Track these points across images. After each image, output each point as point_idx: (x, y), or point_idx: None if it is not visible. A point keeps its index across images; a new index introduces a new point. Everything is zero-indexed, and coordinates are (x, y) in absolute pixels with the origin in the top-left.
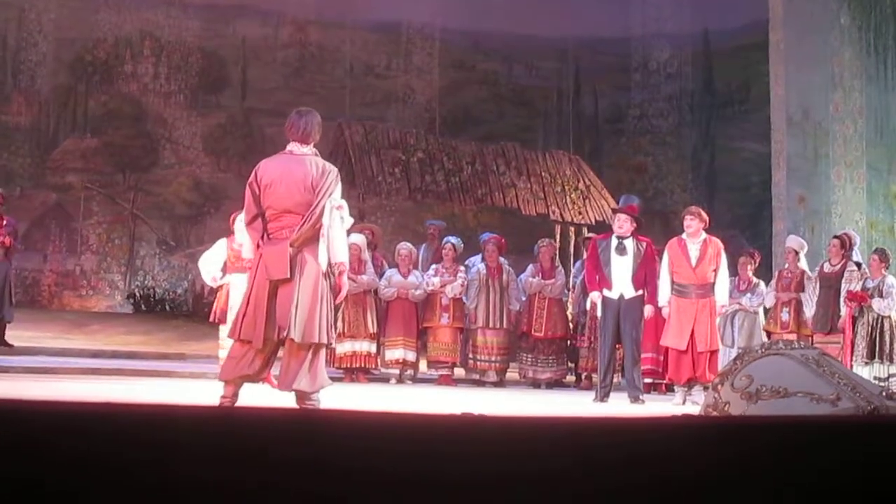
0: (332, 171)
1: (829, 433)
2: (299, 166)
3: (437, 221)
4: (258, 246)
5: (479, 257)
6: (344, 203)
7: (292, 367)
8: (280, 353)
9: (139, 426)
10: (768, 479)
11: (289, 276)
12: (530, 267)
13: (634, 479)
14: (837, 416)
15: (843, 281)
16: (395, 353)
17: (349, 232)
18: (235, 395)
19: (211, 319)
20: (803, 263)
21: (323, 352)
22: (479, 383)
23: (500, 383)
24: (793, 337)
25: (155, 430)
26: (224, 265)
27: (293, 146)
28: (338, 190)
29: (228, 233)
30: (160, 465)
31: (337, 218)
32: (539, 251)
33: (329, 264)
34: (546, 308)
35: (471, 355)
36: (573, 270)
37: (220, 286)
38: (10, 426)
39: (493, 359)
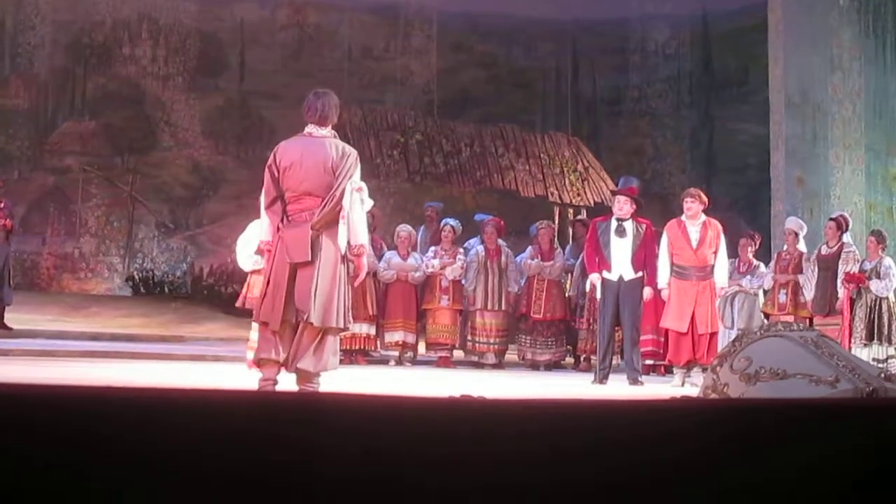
0: (352, 153)
1: (829, 416)
2: (319, 148)
3: (436, 203)
4: (277, 229)
5: (477, 239)
6: (363, 185)
7: (301, 347)
8: None
9: (137, 410)
10: (767, 462)
11: (310, 258)
12: (529, 249)
13: (634, 462)
14: (837, 399)
15: (840, 262)
16: (395, 336)
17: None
18: (275, 379)
19: (238, 304)
20: (802, 245)
21: (335, 336)
22: (478, 365)
23: (499, 365)
24: (790, 319)
25: (152, 414)
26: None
27: (311, 128)
28: (357, 172)
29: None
30: (157, 447)
31: (357, 200)
32: (537, 233)
33: (348, 247)
34: (545, 290)
35: (469, 337)
36: (566, 253)
37: (253, 271)
38: (10, 409)
39: (492, 341)
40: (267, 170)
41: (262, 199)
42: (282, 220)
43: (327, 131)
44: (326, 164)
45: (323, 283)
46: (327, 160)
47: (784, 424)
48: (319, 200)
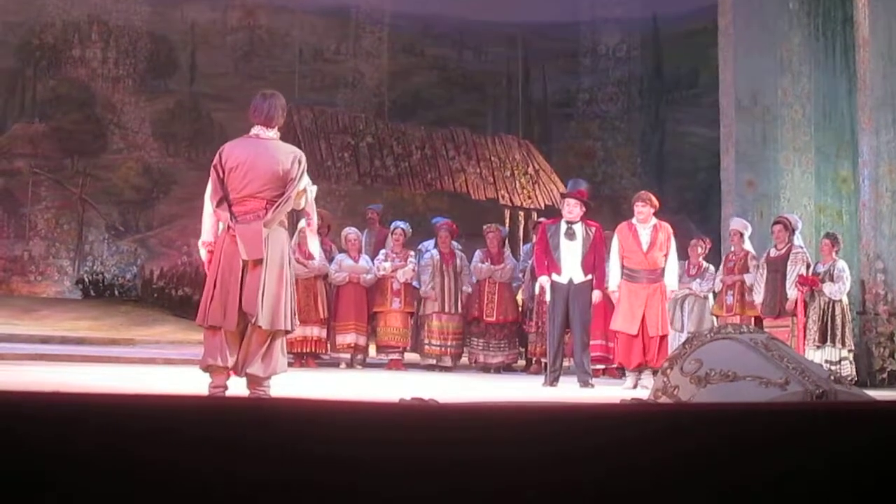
0: (301, 156)
1: (781, 420)
2: (266, 151)
3: (376, 205)
4: (228, 228)
5: (431, 242)
6: (311, 185)
7: (251, 351)
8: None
9: (86, 415)
10: (719, 467)
11: (263, 256)
12: (478, 252)
13: (588, 467)
14: (788, 403)
15: (789, 263)
16: (346, 338)
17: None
18: (225, 385)
19: None
20: (748, 245)
21: (282, 338)
22: (429, 368)
23: (450, 368)
24: (737, 320)
25: (102, 420)
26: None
27: (258, 130)
28: (306, 174)
29: None
30: (107, 453)
31: (312, 199)
32: (486, 237)
33: (291, 250)
34: (497, 292)
35: (426, 340)
36: (521, 255)
37: None
38: None
39: (449, 343)
40: (213, 169)
41: (209, 199)
42: (231, 220)
43: (273, 133)
44: (276, 170)
45: (270, 284)
46: (277, 165)
47: (736, 429)
48: (265, 202)
